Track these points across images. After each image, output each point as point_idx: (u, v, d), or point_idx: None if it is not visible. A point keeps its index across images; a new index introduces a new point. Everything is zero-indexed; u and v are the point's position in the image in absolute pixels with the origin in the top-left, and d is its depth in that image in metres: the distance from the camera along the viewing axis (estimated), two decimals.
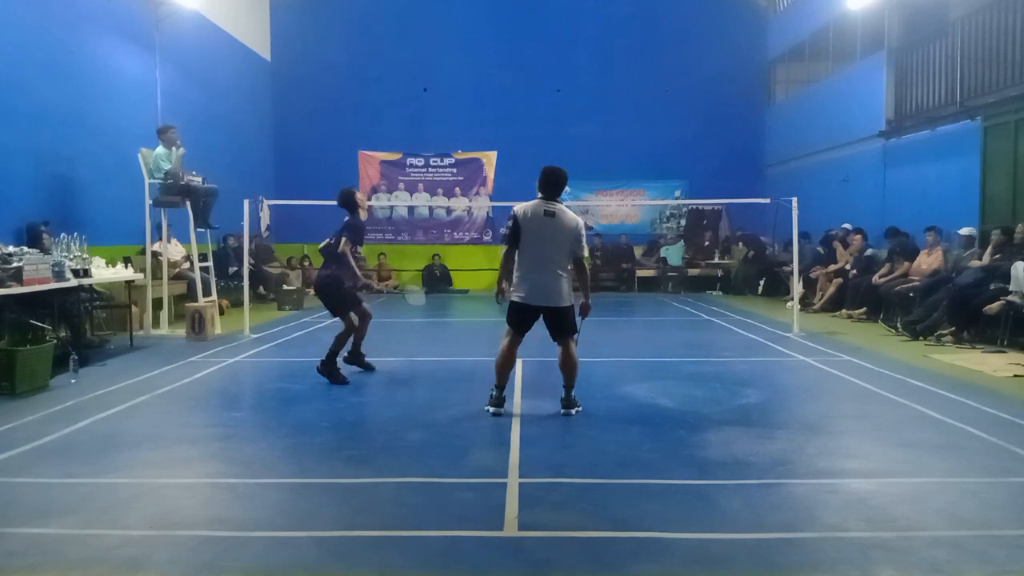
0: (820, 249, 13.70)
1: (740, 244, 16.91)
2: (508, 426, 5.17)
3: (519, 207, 5.45)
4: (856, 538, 3.27)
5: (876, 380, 6.66)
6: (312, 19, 17.82)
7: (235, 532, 3.36)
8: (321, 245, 7.23)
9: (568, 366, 5.48)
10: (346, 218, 7.13)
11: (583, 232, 5.47)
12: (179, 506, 3.75)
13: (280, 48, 17.92)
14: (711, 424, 5.21)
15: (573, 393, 5.55)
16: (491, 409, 5.46)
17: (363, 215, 7.34)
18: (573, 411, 5.49)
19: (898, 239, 11.36)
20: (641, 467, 4.30)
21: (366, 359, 7.20)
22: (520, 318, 5.44)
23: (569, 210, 5.50)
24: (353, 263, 6.88)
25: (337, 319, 7.05)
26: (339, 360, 6.74)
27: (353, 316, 6.88)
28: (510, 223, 5.42)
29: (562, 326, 5.45)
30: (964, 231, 10.11)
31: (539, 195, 5.48)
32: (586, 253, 5.61)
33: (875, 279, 11.09)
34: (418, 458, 4.52)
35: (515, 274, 5.45)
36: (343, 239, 6.88)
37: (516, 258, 5.44)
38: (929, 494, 3.87)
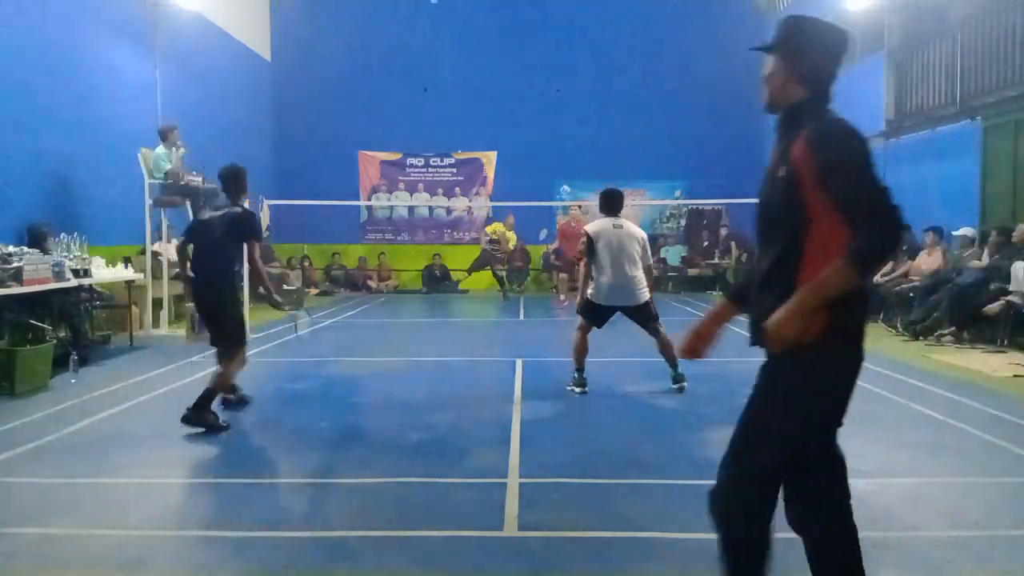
0: None
1: (733, 245, 16.92)
2: (508, 426, 5.17)
3: (590, 226, 6.40)
4: None
5: (876, 380, 6.65)
6: (312, 19, 17.82)
7: (235, 532, 3.36)
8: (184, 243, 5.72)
9: (664, 347, 6.26)
10: (239, 207, 5.57)
11: (647, 242, 6.40)
12: (179, 506, 3.75)
13: (280, 48, 17.92)
14: (711, 424, 5.21)
15: (680, 369, 6.23)
16: (577, 390, 6.16)
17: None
18: (681, 385, 6.21)
19: (907, 236, 11.26)
20: (641, 467, 4.30)
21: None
22: (598, 315, 6.33)
23: (632, 224, 6.48)
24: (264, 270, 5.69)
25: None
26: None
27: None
28: (584, 240, 6.33)
29: (646, 317, 6.31)
30: (961, 231, 10.10)
31: (603, 213, 6.41)
32: (651, 261, 6.50)
33: (877, 278, 11.06)
34: (418, 458, 4.52)
35: (595, 280, 6.27)
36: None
37: (593, 268, 6.29)
38: (929, 494, 3.87)
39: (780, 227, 2.17)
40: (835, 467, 2.29)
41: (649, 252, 6.42)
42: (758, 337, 2.23)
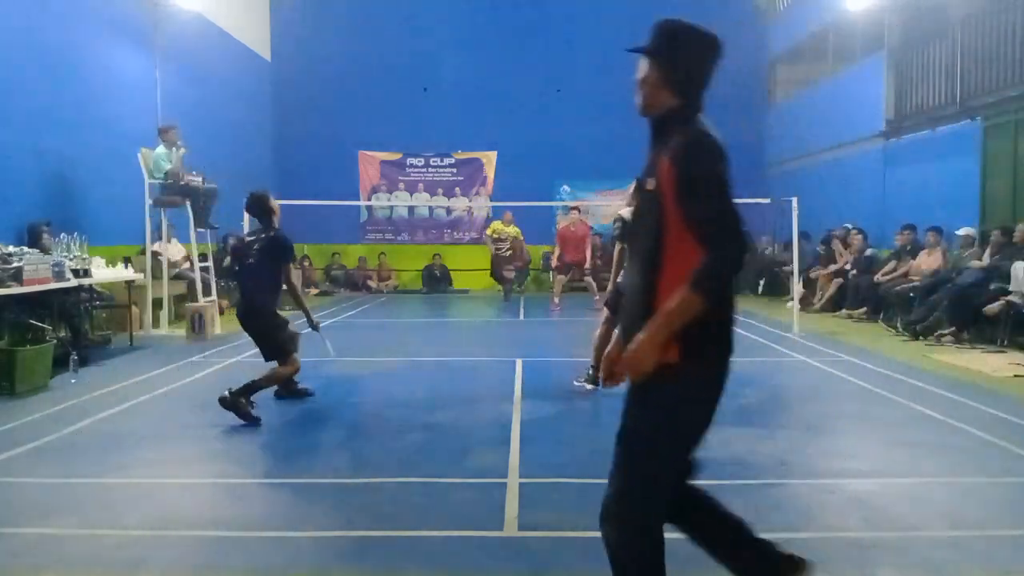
0: (820, 249, 13.70)
1: None
2: (508, 426, 5.17)
3: (627, 211, 5.83)
4: (856, 538, 3.27)
5: (876, 380, 6.65)
6: (312, 19, 17.81)
7: (235, 532, 3.37)
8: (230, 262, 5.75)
9: None
10: (272, 231, 5.77)
11: None
12: (179, 506, 3.75)
13: (280, 48, 17.91)
14: (711, 424, 5.21)
15: None
16: (587, 386, 6.10)
17: (277, 222, 5.99)
18: None
19: (912, 236, 11.13)
20: None
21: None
22: None
23: None
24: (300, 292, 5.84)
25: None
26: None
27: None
28: (618, 225, 5.99)
29: None
30: (961, 231, 10.10)
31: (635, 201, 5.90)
32: None
33: (878, 276, 11.07)
34: (418, 458, 4.52)
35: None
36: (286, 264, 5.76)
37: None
38: (929, 494, 3.87)
39: (645, 240, 2.17)
40: (669, 478, 2.29)
41: None
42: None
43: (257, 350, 5.76)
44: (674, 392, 2.11)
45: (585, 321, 11.70)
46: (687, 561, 3.08)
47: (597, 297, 14.05)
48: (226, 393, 5.18)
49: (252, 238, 5.83)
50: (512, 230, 15.28)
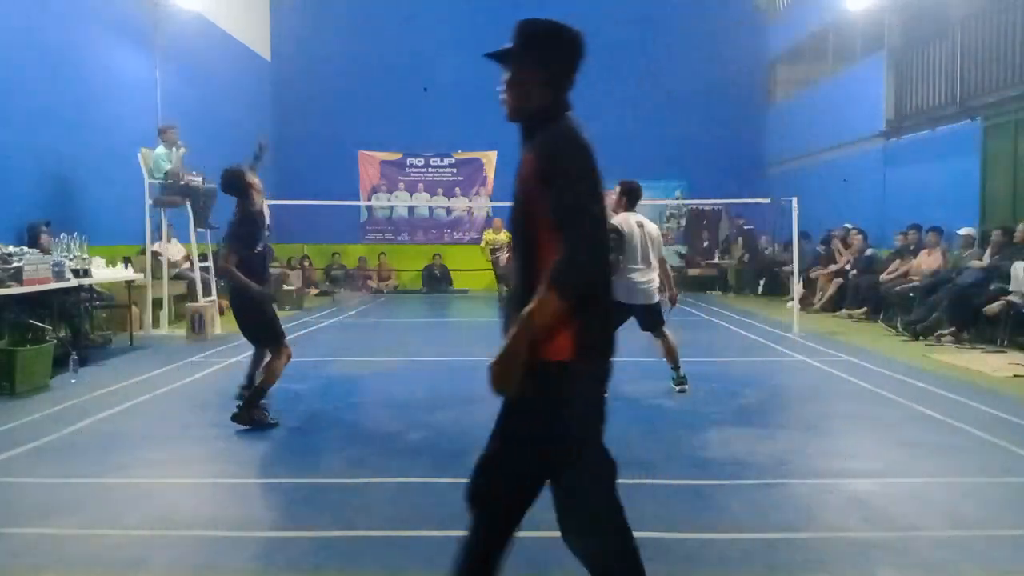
0: (820, 248, 13.70)
1: (740, 240, 16.90)
2: None
3: (617, 220, 6.08)
4: (856, 538, 3.27)
5: (876, 380, 6.65)
6: (312, 19, 17.81)
7: (235, 532, 3.37)
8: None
9: (669, 351, 6.23)
10: (239, 212, 5.49)
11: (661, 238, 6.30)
12: (179, 506, 3.75)
13: (280, 48, 17.91)
14: (711, 424, 5.21)
15: (682, 371, 6.23)
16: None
17: (259, 200, 5.60)
18: (683, 388, 6.18)
19: (917, 235, 11.07)
20: (641, 467, 4.30)
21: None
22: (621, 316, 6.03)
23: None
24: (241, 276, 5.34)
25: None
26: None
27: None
28: (614, 236, 5.96)
29: (655, 321, 6.19)
30: (962, 231, 10.10)
31: (623, 208, 6.19)
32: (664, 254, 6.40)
33: (883, 276, 11.05)
34: (418, 458, 4.52)
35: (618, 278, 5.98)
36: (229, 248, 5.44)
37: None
38: (929, 494, 3.87)
39: (520, 237, 2.16)
40: (603, 474, 2.23)
41: (662, 248, 6.32)
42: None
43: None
44: (557, 389, 2.06)
45: None
46: (687, 561, 3.09)
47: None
48: (235, 411, 5.07)
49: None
50: (503, 236, 15.21)
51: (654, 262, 6.09)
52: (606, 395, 2.19)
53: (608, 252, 2.05)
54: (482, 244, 15.61)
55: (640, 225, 6.11)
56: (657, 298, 6.13)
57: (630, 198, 6.21)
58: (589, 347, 2.07)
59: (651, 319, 6.15)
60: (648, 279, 6.03)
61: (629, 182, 6.24)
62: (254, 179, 5.58)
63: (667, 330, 6.23)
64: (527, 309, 1.96)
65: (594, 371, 2.12)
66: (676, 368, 6.26)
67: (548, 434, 2.11)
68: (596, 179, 2.07)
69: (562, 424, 2.09)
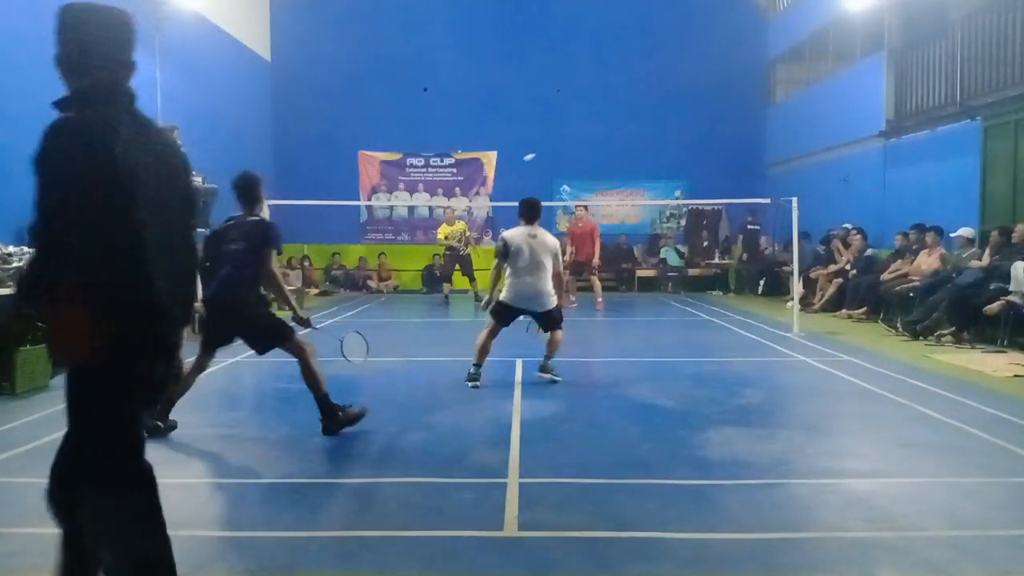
0: (820, 248, 13.70)
1: (741, 240, 16.89)
2: (508, 426, 5.17)
3: (507, 233, 6.74)
4: (856, 538, 3.27)
5: (876, 380, 6.66)
6: (312, 19, 17.82)
7: (235, 532, 3.37)
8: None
9: (553, 344, 6.77)
10: (256, 216, 5.28)
11: (559, 251, 6.78)
12: (179, 506, 3.74)
13: (280, 48, 17.91)
14: (711, 424, 5.21)
15: (551, 361, 6.72)
16: (470, 384, 6.43)
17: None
18: (551, 376, 6.61)
19: (921, 235, 10.99)
20: (641, 467, 4.30)
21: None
22: (508, 316, 6.77)
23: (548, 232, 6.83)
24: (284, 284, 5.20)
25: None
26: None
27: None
28: (500, 245, 6.65)
29: (551, 321, 6.71)
30: (960, 232, 10.09)
31: (522, 221, 6.72)
32: (561, 268, 6.92)
33: (884, 276, 11.05)
34: (418, 458, 4.52)
35: (508, 283, 6.68)
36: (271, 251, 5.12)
37: (508, 272, 6.68)
38: (929, 494, 3.88)
39: None
40: (139, 486, 2.28)
41: (560, 260, 6.81)
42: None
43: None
44: (91, 387, 2.16)
45: (585, 321, 11.71)
46: (687, 561, 3.09)
47: (573, 299, 13.83)
48: (323, 425, 4.92)
49: (232, 222, 5.22)
50: (459, 225, 14.70)
51: (541, 272, 6.57)
52: (137, 405, 2.24)
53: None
54: (440, 237, 14.59)
55: (533, 236, 6.64)
56: (551, 305, 6.62)
57: (525, 212, 6.76)
58: (118, 349, 2.11)
59: (546, 321, 6.71)
60: (535, 287, 6.57)
61: (526, 198, 6.85)
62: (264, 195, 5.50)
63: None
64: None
65: (120, 373, 2.16)
66: (548, 357, 6.75)
67: (89, 418, 2.19)
68: (78, 180, 2.07)
69: (95, 416, 2.19)
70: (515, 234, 6.65)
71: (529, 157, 16.06)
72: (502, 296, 6.71)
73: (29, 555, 3.11)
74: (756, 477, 4.08)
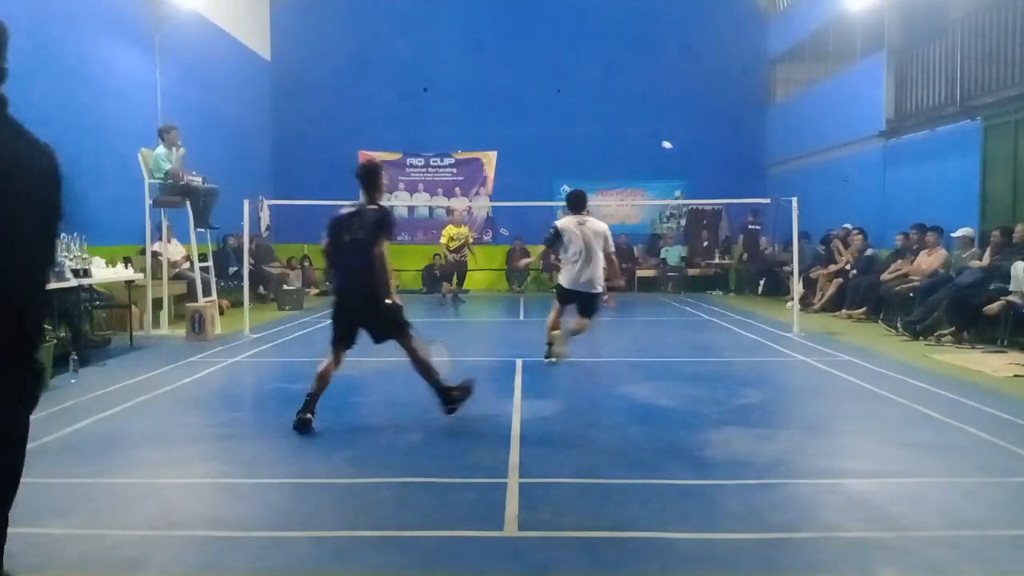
0: (820, 248, 13.70)
1: (741, 240, 16.88)
2: (508, 426, 5.17)
3: (558, 221, 7.33)
4: (856, 538, 3.27)
5: (876, 380, 6.66)
6: (312, 19, 17.82)
7: (235, 532, 3.36)
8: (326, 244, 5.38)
9: (578, 330, 7.18)
10: (374, 205, 5.29)
11: (608, 233, 7.26)
12: (179, 506, 3.75)
13: (280, 48, 17.91)
14: (711, 424, 5.21)
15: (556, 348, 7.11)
16: (547, 361, 7.06)
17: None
18: (553, 361, 7.06)
19: (922, 235, 10.98)
20: (641, 467, 4.30)
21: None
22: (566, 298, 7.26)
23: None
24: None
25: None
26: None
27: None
28: (551, 232, 7.26)
29: (591, 309, 7.22)
30: (960, 232, 10.09)
31: (569, 212, 7.33)
32: (612, 248, 7.33)
33: (884, 276, 11.04)
34: (418, 458, 4.52)
35: (563, 268, 7.28)
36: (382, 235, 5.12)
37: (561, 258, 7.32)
38: (929, 494, 3.88)
39: None
40: None
41: (611, 242, 7.23)
42: None
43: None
44: None
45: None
46: (687, 561, 3.09)
47: (607, 296, 13.79)
48: (443, 407, 5.22)
49: (354, 211, 5.25)
50: (462, 229, 14.83)
51: (593, 257, 6.99)
52: None
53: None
54: (443, 240, 14.70)
55: (582, 224, 7.08)
56: (599, 289, 7.09)
57: (572, 204, 7.33)
58: None
59: (588, 307, 7.14)
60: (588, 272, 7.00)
61: (573, 190, 7.56)
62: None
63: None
64: None
65: None
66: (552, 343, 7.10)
67: None
68: None
69: None
70: (566, 222, 7.14)
71: (667, 145, 16.50)
72: (560, 280, 7.29)
73: (29, 555, 3.11)
74: (756, 477, 4.08)
